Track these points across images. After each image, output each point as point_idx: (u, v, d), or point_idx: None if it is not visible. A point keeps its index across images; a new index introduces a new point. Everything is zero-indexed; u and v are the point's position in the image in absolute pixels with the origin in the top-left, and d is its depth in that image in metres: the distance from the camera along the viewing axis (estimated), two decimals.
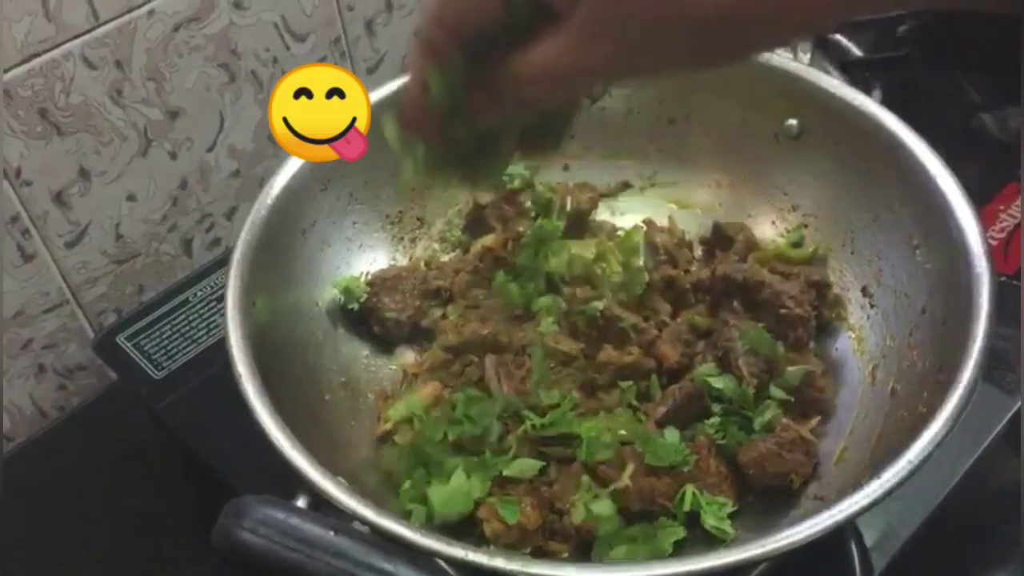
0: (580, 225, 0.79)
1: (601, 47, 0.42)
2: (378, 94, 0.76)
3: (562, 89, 0.47)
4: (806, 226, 0.76)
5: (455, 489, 0.62)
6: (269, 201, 0.70)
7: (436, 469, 0.64)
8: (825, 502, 0.58)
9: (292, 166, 0.72)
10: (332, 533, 0.47)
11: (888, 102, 0.72)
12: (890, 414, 0.64)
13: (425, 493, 0.63)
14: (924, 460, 0.54)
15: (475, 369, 0.70)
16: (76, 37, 0.77)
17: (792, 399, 0.67)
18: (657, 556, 0.60)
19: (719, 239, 0.77)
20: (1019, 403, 0.74)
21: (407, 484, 0.65)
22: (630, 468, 0.62)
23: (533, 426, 0.65)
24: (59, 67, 0.77)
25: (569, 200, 0.78)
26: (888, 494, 0.53)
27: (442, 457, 0.64)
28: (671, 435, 0.64)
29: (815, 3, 0.40)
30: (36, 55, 0.75)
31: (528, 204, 0.78)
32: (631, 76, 0.48)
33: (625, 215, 0.82)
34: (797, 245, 0.76)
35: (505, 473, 0.63)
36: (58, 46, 0.76)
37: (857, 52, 1.03)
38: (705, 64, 0.45)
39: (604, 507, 0.61)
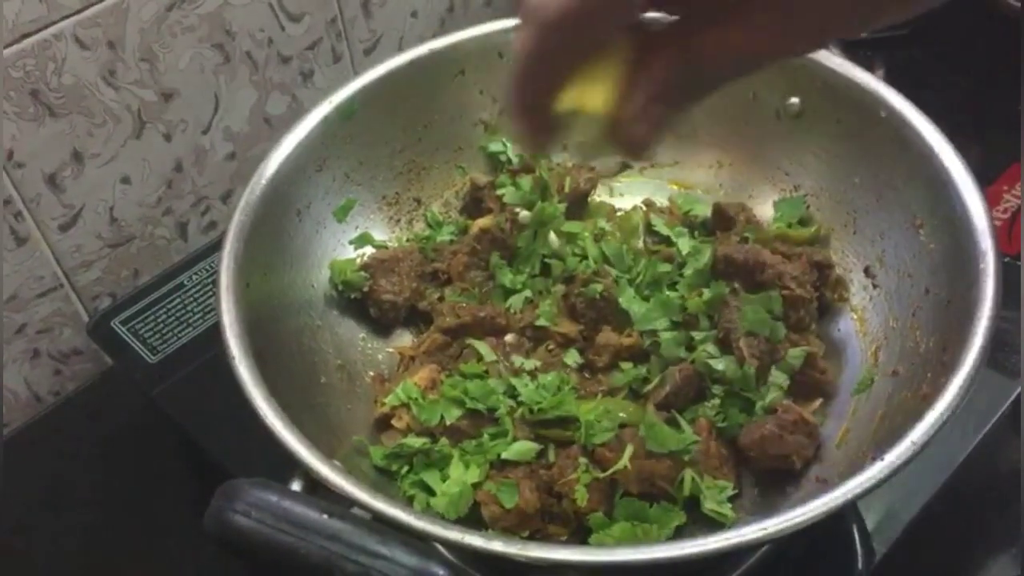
0: (579, 206, 0.78)
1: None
2: (375, 73, 0.76)
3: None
4: (808, 206, 0.75)
5: (456, 491, 0.61)
6: (263, 182, 0.69)
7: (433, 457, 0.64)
8: (827, 484, 0.57)
9: (286, 146, 0.71)
10: (325, 516, 0.47)
11: (890, 82, 0.71)
12: (893, 396, 0.63)
13: (424, 479, 0.63)
14: (927, 442, 0.53)
15: (473, 351, 0.69)
16: (68, 17, 0.76)
17: (792, 385, 0.66)
18: (657, 540, 0.60)
19: (720, 219, 0.76)
20: (1021, 386, 0.73)
21: (405, 469, 0.64)
22: (629, 450, 0.61)
23: (531, 409, 0.64)
24: (51, 47, 0.76)
25: (568, 181, 0.77)
26: (890, 477, 0.52)
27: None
28: (680, 424, 0.64)
29: None
30: (27, 35, 0.74)
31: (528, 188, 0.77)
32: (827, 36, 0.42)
33: (624, 196, 0.81)
34: (804, 222, 0.75)
35: (503, 456, 0.63)
36: (50, 26, 0.75)
37: None
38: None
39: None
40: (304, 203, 0.73)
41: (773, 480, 0.64)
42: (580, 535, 0.61)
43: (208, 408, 0.75)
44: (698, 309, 0.69)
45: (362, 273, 0.73)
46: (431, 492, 0.63)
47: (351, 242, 0.76)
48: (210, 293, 0.85)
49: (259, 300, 0.65)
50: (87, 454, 0.84)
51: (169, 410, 0.80)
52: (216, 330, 0.61)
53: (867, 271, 0.71)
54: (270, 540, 0.46)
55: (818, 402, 0.67)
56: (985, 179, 0.76)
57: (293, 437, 0.55)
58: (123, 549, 0.78)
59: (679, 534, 0.60)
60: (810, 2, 0.40)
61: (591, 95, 0.43)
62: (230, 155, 0.92)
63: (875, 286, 0.70)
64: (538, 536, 0.61)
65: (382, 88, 0.76)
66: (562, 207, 0.75)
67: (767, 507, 0.62)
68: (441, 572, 0.45)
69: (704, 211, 0.77)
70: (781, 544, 0.66)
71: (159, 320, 0.84)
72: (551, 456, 0.64)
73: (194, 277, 0.87)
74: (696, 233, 0.76)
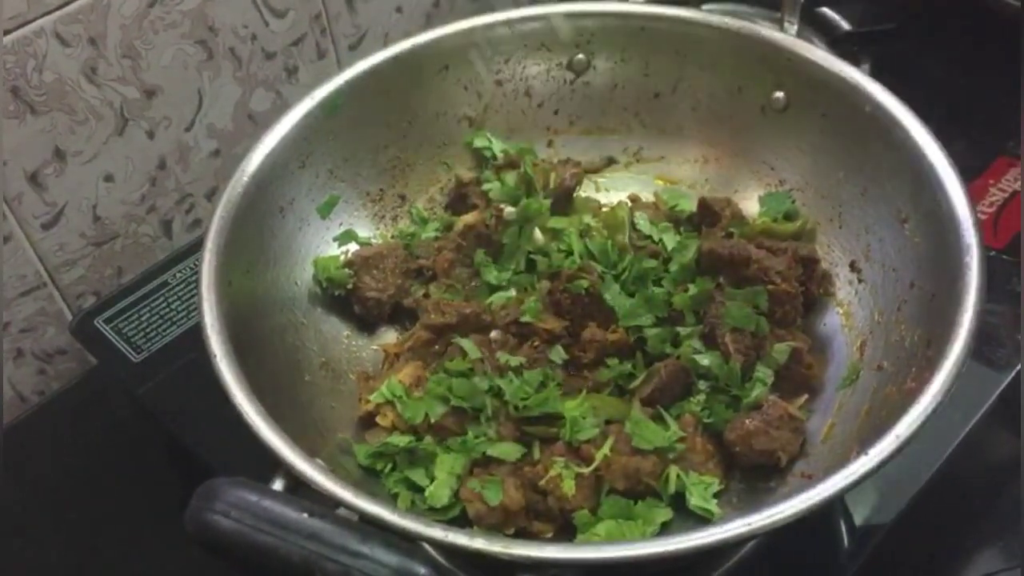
0: (564, 202, 0.78)
1: None
2: (358, 69, 0.75)
3: None
4: (793, 201, 0.75)
5: (444, 496, 0.61)
6: (245, 178, 0.68)
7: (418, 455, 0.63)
8: (812, 480, 0.57)
9: (269, 143, 0.70)
10: (306, 515, 0.46)
11: (876, 77, 0.71)
12: (878, 390, 0.63)
13: (409, 477, 0.63)
14: (912, 436, 0.53)
15: (458, 348, 0.69)
16: (49, 13, 0.75)
17: (777, 380, 0.66)
18: (643, 537, 0.59)
19: (705, 214, 0.75)
20: (1008, 379, 0.73)
21: (389, 467, 0.64)
22: (610, 440, 0.61)
23: (516, 406, 0.64)
24: (31, 44, 0.75)
25: (553, 177, 0.77)
26: (875, 471, 0.52)
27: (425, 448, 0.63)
28: (666, 420, 0.63)
29: None
30: (8, 32, 0.74)
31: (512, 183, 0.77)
32: None
33: (610, 192, 0.81)
34: (789, 217, 0.75)
35: (488, 453, 0.62)
36: (30, 22, 0.75)
37: (845, 26, 1.02)
38: None
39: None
40: (287, 200, 0.72)
41: (759, 475, 0.64)
42: (566, 533, 0.61)
43: (193, 407, 0.75)
44: (683, 305, 0.68)
45: (346, 270, 0.73)
46: (416, 489, 0.62)
47: (335, 239, 0.75)
48: (195, 291, 0.83)
49: (242, 298, 0.65)
50: (72, 453, 0.84)
51: (154, 409, 0.79)
52: (200, 328, 0.61)
53: (852, 265, 0.71)
54: (249, 540, 0.46)
55: (803, 397, 0.66)
56: (970, 174, 0.76)
57: (275, 436, 0.55)
58: (108, 548, 0.77)
59: (665, 531, 0.60)
60: None
61: None
62: (214, 152, 0.91)
63: (860, 280, 0.70)
64: (523, 534, 0.61)
65: (366, 84, 0.75)
66: (547, 203, 0.75)
67: (753, 502, 0.62)
68: (423, 571, 0.45)
69: (690, 206, 0.77)
70: (768, 539, 0.66)
71: (143, 319, 0.84)
72: (536, 453, 0.63)
73: (178, 275, 0.87)
74: (681, 228, 0.76)
